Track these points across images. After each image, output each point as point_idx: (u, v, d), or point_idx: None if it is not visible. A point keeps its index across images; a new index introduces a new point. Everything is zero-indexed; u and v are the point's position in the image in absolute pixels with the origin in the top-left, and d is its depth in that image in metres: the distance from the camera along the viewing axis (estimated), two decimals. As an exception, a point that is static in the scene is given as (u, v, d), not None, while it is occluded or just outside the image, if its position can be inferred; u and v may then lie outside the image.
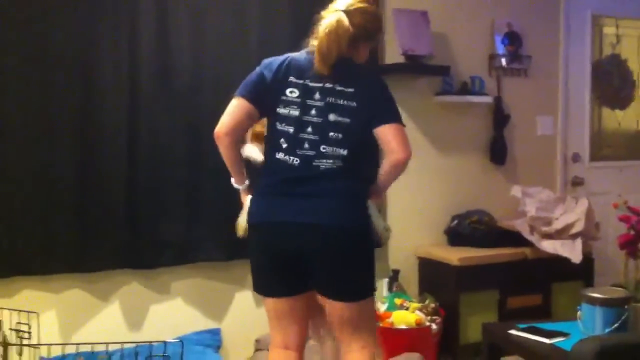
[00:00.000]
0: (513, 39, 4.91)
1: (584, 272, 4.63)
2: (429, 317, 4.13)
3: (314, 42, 2.76)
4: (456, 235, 4.62)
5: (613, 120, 5.46)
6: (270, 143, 2.79)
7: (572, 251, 4.46)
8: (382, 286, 4.48)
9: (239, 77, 3.92)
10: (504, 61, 4.90)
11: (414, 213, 4.64)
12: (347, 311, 2.76)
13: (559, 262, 4.45)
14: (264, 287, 2.84)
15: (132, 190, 3.81)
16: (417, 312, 4.12)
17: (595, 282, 4.70)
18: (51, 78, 3.65)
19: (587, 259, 4.64)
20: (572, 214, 4.59)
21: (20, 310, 3.21)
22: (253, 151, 3.13)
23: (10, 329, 3.19)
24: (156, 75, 3.85)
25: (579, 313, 3.28)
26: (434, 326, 4.09)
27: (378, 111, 2.73)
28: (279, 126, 2.74)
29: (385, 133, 2.71)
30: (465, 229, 4.58)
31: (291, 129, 2.72)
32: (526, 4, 5.02)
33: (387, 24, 4.46)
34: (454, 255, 4.35)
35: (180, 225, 3.93)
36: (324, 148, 2.70)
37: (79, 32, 3.69)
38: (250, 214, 2.79)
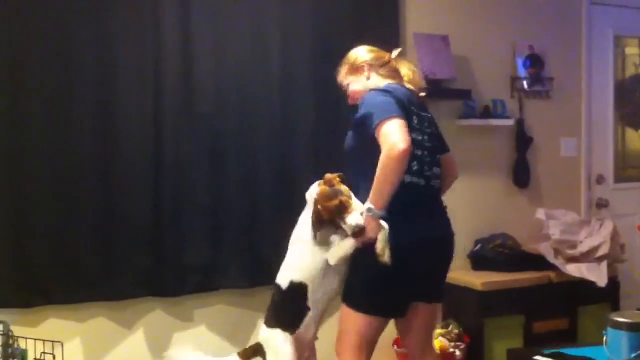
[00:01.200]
0: (535, 61, 4.90)
1: (610, 296, 4.60)
2: (453, 344, 4.11)
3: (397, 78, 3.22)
4: (480, 259, 4.59)
5: (637, 141, 5.42)
6: None
7: (598, 275, 4.42)
8: (405, 312, 4.45)
9: (261, 102, 4.01)
10: (526, 84, 4.89)
11: (437, 237, 4.62)
12: (435, 312, 3.28)
13: (584, 286, 4.42)
14: (393, 308, 3.07)
15: (156, 218, 3.83)
16: (441, 338, 4.10)
17: (622, 305, 4.65)
18: (75, 103, 3.68)
19: (613, 282, 4.60)
20: (597, 237, 4.55)
21: (45, 340, 3.23)
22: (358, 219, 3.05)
23: (35, 359, 3.20)
24: (180, 101, 3.87)
25: (605, 338, 3.24)
26: (458, 352, 4.07)
27: (443, 140, 3.28)
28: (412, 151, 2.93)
29: (450, 160, 3.30)
30: (489, 253, 4.55)
31: (419, 152, 3.01)
32: (548, 26, 5.01)
33: (408, 48, 4.48)
34: (478, 280, 4.33)
35: (204, 252, 3.94)
36: (435, 169, 3.11)
37: (103, 58, 3.72)
38: (402, 236, 2.92)
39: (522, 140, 4.87)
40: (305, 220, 3.15)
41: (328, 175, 3.11)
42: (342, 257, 3.01)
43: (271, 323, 3.15)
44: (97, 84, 3.71)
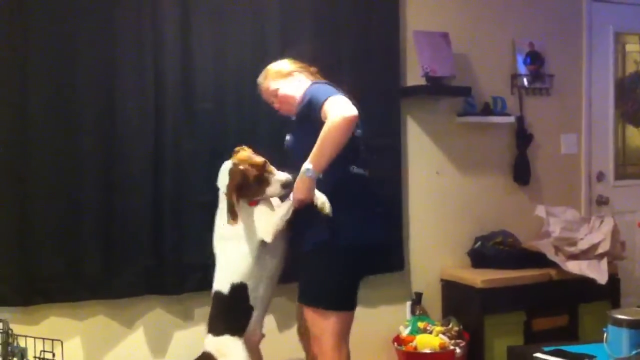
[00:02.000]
0: (535, 58, 4.90)
1: (610, 293, 4.59)
2: (453, 341, 4.10)
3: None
4: (480, 256, 4.58)
5: (637, 138, 5.41)
6: (347, 157, 3.02)
7: (598, 272, 4.42)
8: (405, 309, 4.46)
9: (261, 99, 3.99)
10: (526, 80, 4.89)
11: (436, 235, 4.62)
12: None
13: (584, 283, 4.42)
14: (355, 300, 3.20)
15: (156, 216, 3.82)
16: (441, 335, 4.10)
17: (622, 303, 4.65)
18: (76, 103, 3.67)
19: (613, 279, 4.59)
20: (597, 234, 4.55)
21: (44, 338, 3.23)
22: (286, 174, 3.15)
23: (35, 357, 3.19)
24: (180, 99, 3.86)
25: (605, 335, 3.24)
26: (458, 350, 4.06)
27: None
28: (357, 142, 3.09)
29: None
30: (489, 251, 4.55)
31: (361, 147, 3.16)
32: (548, 22, 5.00)
33: (408, 45, 4.48)
34: (478, 277, 4.32)
35: (204, 250, 3.92)
36: (370, 167, 3.19)
37: (103, 57, 3.71)
38: (359, 233, 3.08)
39: (522, 137, 4.86)
40: (224, 216, 3.16)
41: (238, 147, 3.15)
42: (279, 227, 3.03)
43: (218, 330, 3.14)
44: (97, 83, 3.70)
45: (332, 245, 3.06)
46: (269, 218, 3.12)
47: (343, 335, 3.14)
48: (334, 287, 3.09)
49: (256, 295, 3.16)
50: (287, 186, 3.03)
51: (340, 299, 3.12)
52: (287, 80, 3.29)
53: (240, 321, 3.14)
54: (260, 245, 3.14)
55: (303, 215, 3.08)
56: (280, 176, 3.09)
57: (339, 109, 2.89)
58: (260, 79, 3.38)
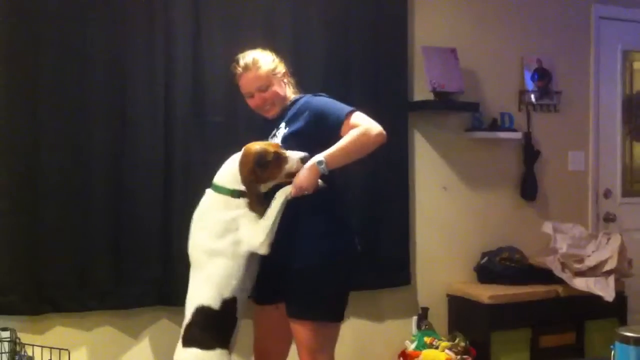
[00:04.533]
0: (543, 74, 4.91)
1: (618, 310, 4.57)
2: (459, 357, 4.09)
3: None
4: (486, 272, 4.57)
5: (645, 155, 5.42)
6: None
7: (605, 289, 4.41)
8: (411, 324, 4.45)
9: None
10: (533, 97, 4.90)
11: (443, 250, 4.62)
12: None
13: (591, 300, 4.41)
14: None
15: (165, 227, 3.83)
16: (447, 351, 4.08)
17: (629, 320, 4.63)
18: (87, 112, 3.69)
19: (621, 296, 4.57)
20: (604, 251, 4.54)
21: (51, 348, 3.24)
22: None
23: (42, 367, 3.22)
24: (191, 110, 3.88)
25: (612, 352, 3.22)
26: (464, 365, 4.06)
27: None
28: None
29: None
30: (496, 266, 4.54)
31: None
32: (556, 39, 5.02)
33: (416, 61, 4.50)
34: (485, 293, 4.31)
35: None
36: None
37: (115, 67, 3.74)
38: (349, 243, 3.10)
39: (530, 153, 4.87)
40: (215, 230, 3.06)
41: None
42: (273, 234, 2.98)
43: (208, 344, 3.03)
44: (108, 92, 3.73)
45: (332, 256, 3.04)
46: (258, 227, 3.00)
47: (333, 347, 3.14)
48: (334, 297, 3.08)
49: (241, 308, 3.11)
50: (305, 161, 2.94)
51: (339, 309, 3.11)
52: (278, 81, 3.19)
53: (230, 334, 3.08)
54: (250, 257, 3.06)
55: (288, 227, 3.01)
56: (296, 154, 2.98)
57: (373, 125, 2.90)
58: (248, 61, 3.16)
